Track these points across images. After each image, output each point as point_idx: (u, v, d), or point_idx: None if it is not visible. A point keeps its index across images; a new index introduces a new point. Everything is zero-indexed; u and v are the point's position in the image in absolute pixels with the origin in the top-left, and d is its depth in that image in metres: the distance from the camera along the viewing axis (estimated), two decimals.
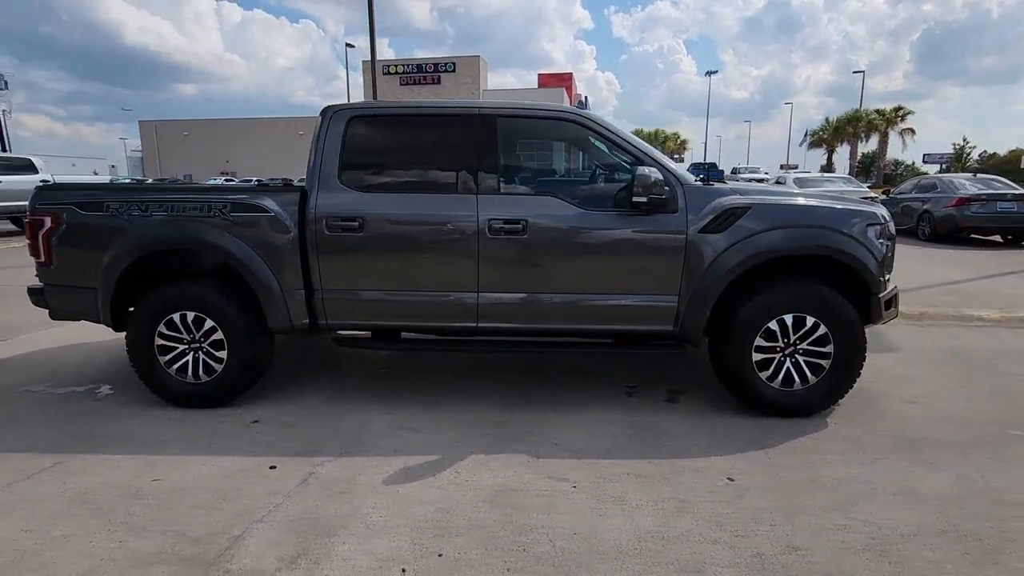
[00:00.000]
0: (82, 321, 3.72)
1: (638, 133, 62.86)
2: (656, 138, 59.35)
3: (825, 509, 2.39)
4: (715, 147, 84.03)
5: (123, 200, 3.42)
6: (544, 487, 2.59)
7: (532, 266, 3.31)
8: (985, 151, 46.93)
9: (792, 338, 3.24)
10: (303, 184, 3.46)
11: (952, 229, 11.01)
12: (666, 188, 3.17)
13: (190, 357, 3.49)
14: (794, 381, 3.27)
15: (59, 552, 2.13)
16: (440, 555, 2.11)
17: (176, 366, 3.49)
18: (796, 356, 3.27)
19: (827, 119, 41.77)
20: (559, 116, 3.37)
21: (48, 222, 3.47)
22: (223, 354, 3.45)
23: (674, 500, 2.47)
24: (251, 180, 24.97)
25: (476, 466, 2.79)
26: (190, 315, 3.42)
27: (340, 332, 3.70)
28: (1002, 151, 43.50)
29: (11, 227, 14.01)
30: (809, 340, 3.23)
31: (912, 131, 38.58)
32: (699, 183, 3.34)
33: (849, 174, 39.30)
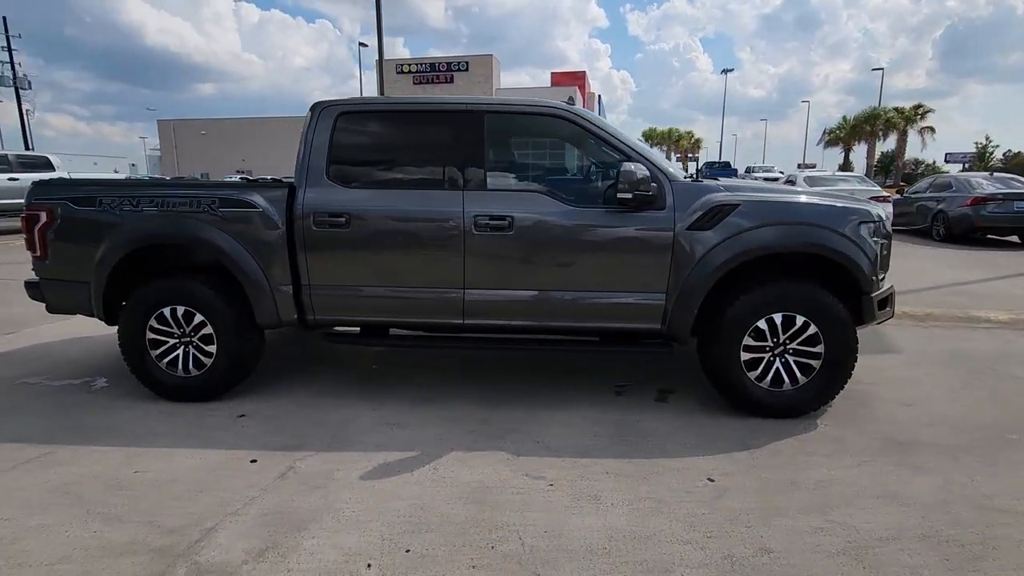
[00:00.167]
0: (79, 315, 3.78)
1: (651, 132, 62.84)
2: (670, 137, 58.87)
3: (803, 511, 2.35)
4: (731, 146, 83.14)
5: (115, 196, 3.46)
6: (521, 485, 2.57)
7: (518, 263, 3.29)
8: (1009, 150, 45.97)
9: (781, 338, 3.18)
10: (292, 180, 3.47)
11: (967, 229, 10.78)
12: (653, 184, 3.13)
13: (180, 351, 3.52)
14: (783, 381, 3.21)
15: (33, 541, 2.16)
16: (408, 551, 2.11)
17: (167, 360, 3.53)
18: (786, 356, 3.21)
19: (844, 117, 41.13)
20: (547, 112, 3.35)
21: (43, 217, 3.53)
22: (213, 348, 3.48)
23: (650, 500, 2.44)
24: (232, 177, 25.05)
25: (456, 463, 2.78)
26: (180, 309, 3.46)
27: (329, 328, 3.71)
28: None
29: None
30: (799, 340, 3.18)
31: (932, 129, 37.82)
32: (688, 180, 3.29)
33: (866, 173, 38.75)
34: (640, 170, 3.04)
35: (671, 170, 3.28)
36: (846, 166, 42.17)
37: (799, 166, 45.66)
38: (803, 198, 3.29)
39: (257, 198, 3.38)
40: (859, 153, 42.81)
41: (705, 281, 3.15)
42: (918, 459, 2.79)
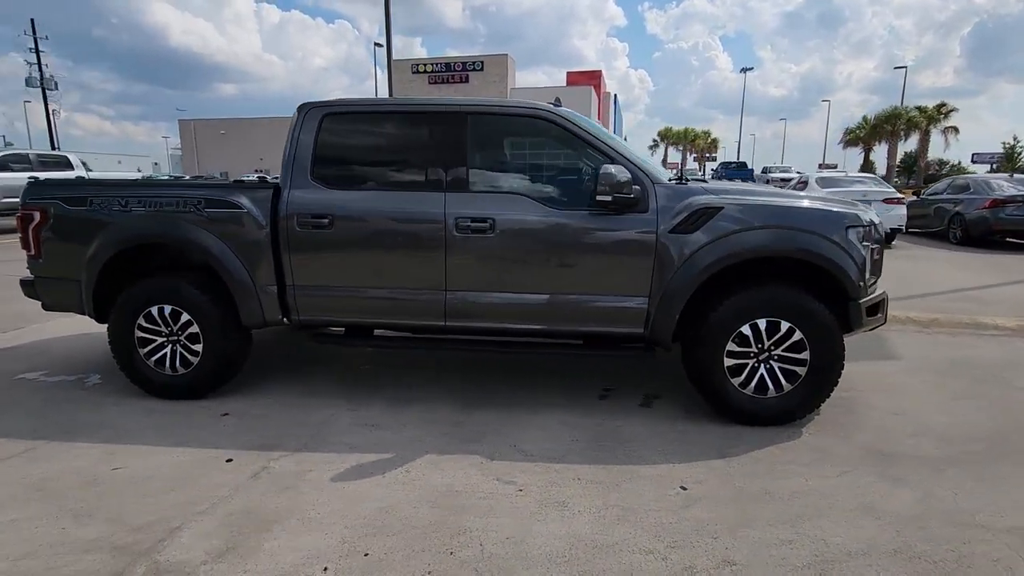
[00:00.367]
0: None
1: (667, 131, 62.27)
2: (686, 137, 58.20)
3: (773, 523, 2.29)
4: (749, 146, 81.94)
5: (105, 196, 3.52)
6: (489, 489, 2.56)
7: (499, 265, 3.27)
8: None
9: (766, 343, 3.12)
10: (278, 181, 3.50)
11: (984, 232, 10.50)
12: (636, 187, 3.09)
13: (168, 350, 3.57)
14: (768, 388, 3.15)
15: (2, 536, 2.20)
16: (366, 555, 2.10)
17: (155, 358, 3.57)
18: (771, 362, 3.15)
19: (864, 117, 40.25)
20: (529, 114, 3.32)
21: (37, 216, 3.60)
22: (199, 347, 3.52)
23: (618, 508, 2.41)
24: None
25: (428, 465, 2.77)
26: (167, 309, 3.50)
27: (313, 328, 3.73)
28: None
29: None
30: (784, 346, 3.11)
31: (955, 129, 36.82)
32: (672, 182, 3.25)
33: (886, 174, 37.94)
34: (621, 172, 3.00)
35: (655, 172, 3.24)
36: (866, 166, 41.36)
37: (819, 166, 44.94)
38: (789, 201, 3.22)
39: (242, 199, 3.41)
40: (880, 153, 42.02)
41: (687, 285, 3.10)
42: (901, 471, 2.71)
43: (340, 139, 3.46)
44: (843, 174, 13.43)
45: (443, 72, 39.40)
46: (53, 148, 33.17)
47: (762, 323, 3.09)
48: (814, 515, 2.35)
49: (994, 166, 37.40)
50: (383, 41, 17.46)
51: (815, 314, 3.06)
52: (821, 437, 3.07)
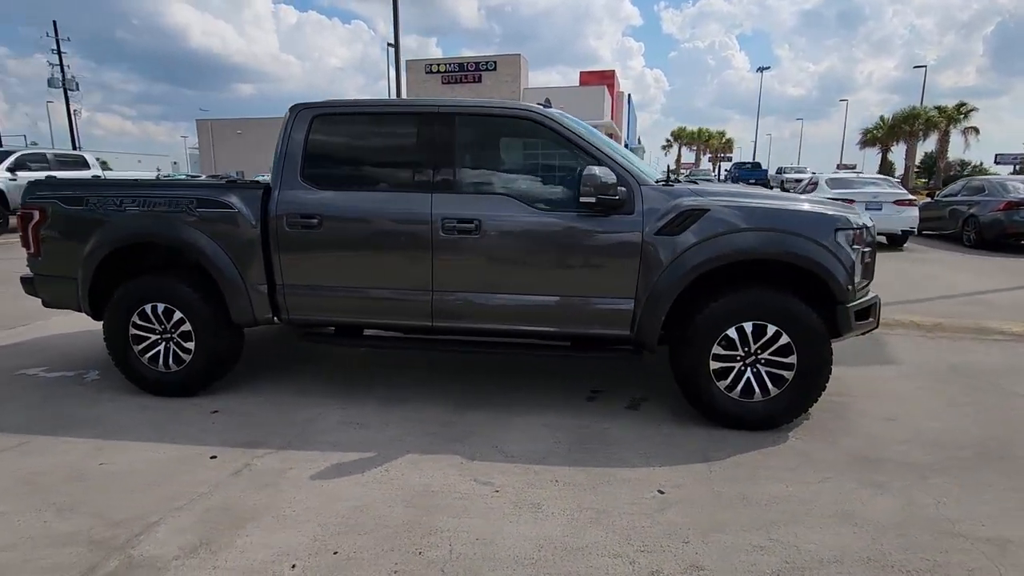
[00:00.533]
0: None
1: (681, 131, 61.84)
2: (699, 137, 57.71)
3: (747, 528, 2.27)
4: (765, 146, 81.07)
5: (100, 195, 3.58)
6: (466, 490, 2.56)
7: (485, 266, 3.28)
8: None
9: (752, 347, 3.09)
10: (268, 181, 3.53)
11: (999, 235, 10.28)
12: (621, 189, 3.08)
13: (161, 347, 3.62)
14: (754, 392, 3.12)
15: None
16: (335, 553, 2.12)
17: (148, 355, 3.63)
18: (757, 366, 3.12)
19: (882, 117, 39.51)
20: (516, 115, 3.32)
21: (36, 215, 3.68)
22: (191, 345, 3.57)
23: (592, 510, 2.40)
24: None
25: (408, 465, 2.79)
26: (160, 307, 3.56)
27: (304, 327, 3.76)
28: None
29: None
30: (771, 350, 3.08)
31: (975, 130, 35.94)
32: (659, 184, 3.23)
33: (904, 175, 37.29)
34: (605, 174, 2.99)
35: (642, 174, 3.22)
36: (884, 167, 40.68)
37: (838, 167, 44.32)
38: (777, 204, 3.18)
39: (233, 199, 3.45)
40: (898, 154, 41.32)
41: (672, 287, 3.08)
42: (885, 477, 2.67)
43: (329, 140, 3.49)
44: (854, 175, 13.25)
45: (456, 72, 39.43)
46: (74, 147, 33.85)
47: (748, 326, 3.06)
48: (790, 521, 2.32)
49: (1017, 167, 36.58)
50: (399, 40, 17.53)
51: (802, 318, 3.02)
52: (807, 442, 3.03)
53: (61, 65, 38.00)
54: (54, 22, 37.82)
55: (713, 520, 2.33)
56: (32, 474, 2.69)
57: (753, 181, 32.04)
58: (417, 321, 3.43)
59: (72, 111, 38.95)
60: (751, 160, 43.28)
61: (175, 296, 3.54)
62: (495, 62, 39.18)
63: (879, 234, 11.13)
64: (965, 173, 41.88)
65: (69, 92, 38.40)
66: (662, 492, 2.55)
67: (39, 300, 3.95)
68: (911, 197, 10.60)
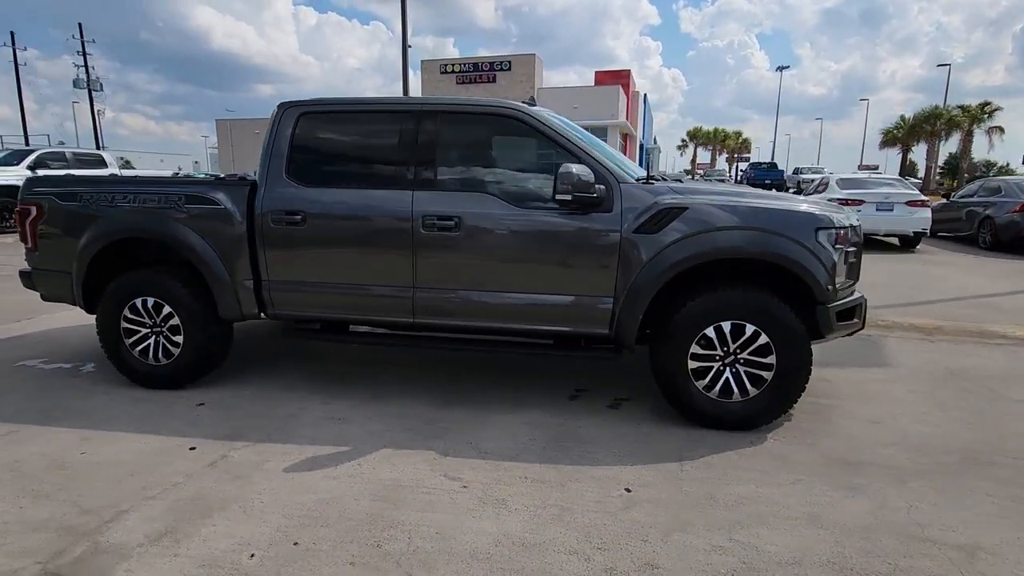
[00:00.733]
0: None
1: (697, 131, 61.23)
2: (715, 137, 57.06)
3: (710, 529, 2.25)
4: (784, 146, 79.76)
5: (94, 192, 3.67)
6: (434, 485, 2.58)
7: (466, 263, 3.29)
8: None
9: (731, 347, 3.06)
10: (256, 178, 3.59)
11: (1014, 237, 10.02)
12: (600, 187, 3.07)
13: (152, 340, 3.69)
14: (733, 392, 3.09)
15: None
16: (295, 543, 2.15)
17: (139, 348, 3.71)
18: (736, 366, 3.09)
19: (902, 116, 38.65)
20: (498, 112, 3.33)
21: (33, 211, 3.78)
22: (180, 339, 3.64)
23: (556, 507, 2.40)
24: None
25: (381, 460, 2.81)
26: (150, 301, 3.63)
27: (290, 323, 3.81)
28: None
29: None
30: (749, 350, 3.05)
31: (1000, 129, 35.05)
32: (639, 181, 3.21)
33: (925, 175, 36.48)
34: (583, 171, 2.98)
35: (622, 172, 3.20)
36: (905, 168, 39.85)
37: (859, 167, 43.53)
38: (758, 203, 3.14)
39: (221, 196, 3.51)
40: (920, 154, 40.44)
41: (650, 285, 3.07)
42: (861, 481, 2.63)
43: (315, 138, 3.53)
44: (867, 175, 13.02)
45: (471, 72, 39.52)
46: (98, 147, 34.58)
47: (727, 326, 3.03)
48: (754, 522, 2.30)
49: None
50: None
51: (781, 317, 2.99)
52: (786, 443, 2.99)
53: (86, 66, 38.87)
54: (79, 24, 38.73)
55: (677, 520, 2.32)
56: (16, 462, 2.77)
57: (769, 182, 31.65)
58: (399, 317, 3.45)
59: (96, 111, 39.83)
60: (767, 160, 42.68)
61: (164, 290, 3.61)
62: (509, 62, 39.19)
63: (890, 235, 11.01)
64: (991, 174, 40.87)
65: (93, 93, 39.27)
66: (629, 491, 2.54)
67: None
68: (923, 198, 10.38)
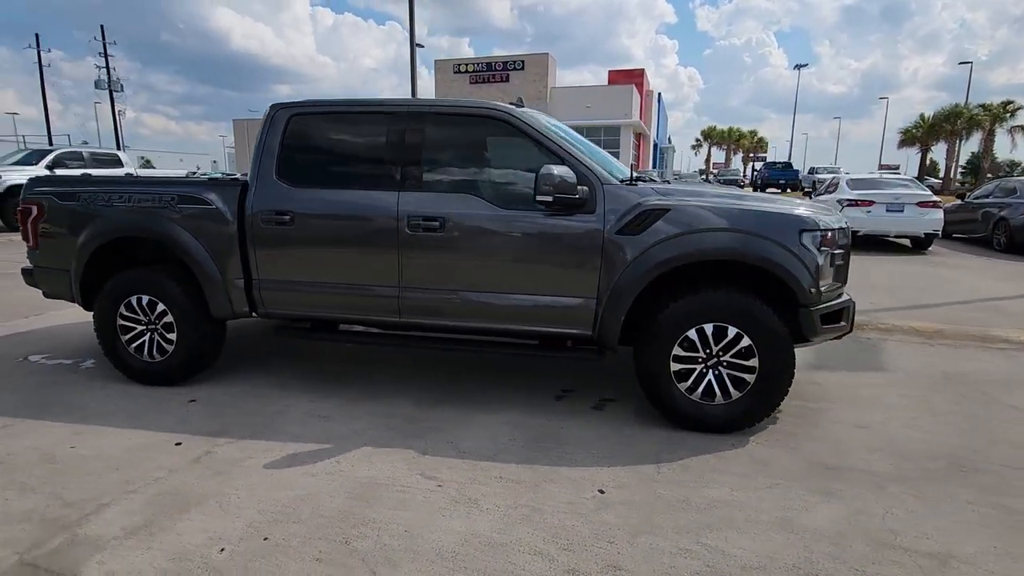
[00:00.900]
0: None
1: (711, 131, 60.67)
2: (730, 136, 56.49)
3: (679, 532, 2.25)
4: (801, 145, 78.61)
5: (91, 192, 3.75)
6: (409, 483, 2.60)
7: (450, 264, 3.31)
8: None
9: (714, 349, 3.05)
10: (247, 178, 3.64)
11: None
12: (582, 188, 3.07)
13: (146, 337, 3.77)
14: (715, 394, 3.07)
15: None
16: (265, 539, 2.18)
17: (134, 345, 3.79)
18: (719, 368, 3.07)
19: (922, 115, 37.85)
20: (482, 114, 3.34)
21: (35, 210, 3.88)
22: (173, 336, 3.71)
23: (527, 508, 2.41)
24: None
25: (361, 458, 2.84)
26: (145, 298, 3.70)
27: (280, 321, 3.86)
28: None
29: None
30: (732, 352, 3.03)
31: (1023, 128, 34.24)
32: (623, 183, 3.20)
33: (944, 175, 35.73)
34: (564, 172, 2.99)
35: (605, 173, 3.20)
36: (924, 167, 39.09)
37: (879, 167, 42.86)
38: (742, 204, 3.12)
39: (212, 196, 3.57)
40: (939, 153, 39.63)
41: (632, 287, 3.06)
42: (838, 486, 2.60)
43: (304, 138, 3.57)
44: (878, 176, 12.81)
45: (484, 72, 39.58)
46: (118, 147, 35.21)
47: (709, 328, 3.02)
48: (725, 526, 2.29)
49: None
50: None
51: (763, 320, 2.96)
52: (768, 447, 2.97)
53: (107, 68, 39.55)
54: (101, 26, 39.42)
55: (647, 522, 2.31)
56: (7, 455, 2.84)
57: (783, 182, 31.28)
58: (386, 317, 3.48)
59: (116, 111, 40.53)
60: (782, 160, 42.18)
61: (158, 289, 3.68)
62: (523, 61, 39.17)
63: (900, 237, 10.83)
64: (1015, 174, 39.93)
65: (114, 93, 39.99)
66: (603, 492, 2.54)
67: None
68: (935, 199, 10.19)
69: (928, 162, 41.83)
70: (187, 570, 2.02)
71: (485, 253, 3.27)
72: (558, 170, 2.98)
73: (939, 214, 10.08)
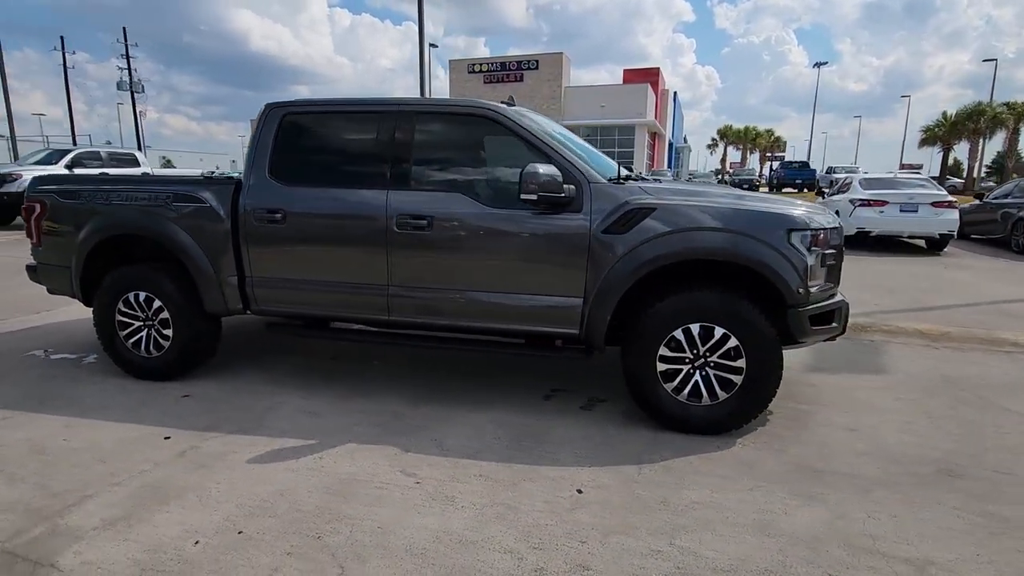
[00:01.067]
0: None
1: (727, 130, 60.04)
2: (746, 136, 55.85)
3: (653, 533, 2.23)
4: (821, 144, 77.43)
5: (91, 190, 3.83)
6: (388, 480, 2.61)
7: (437, 262, 3.32)
8: None
9: (701, 349, 3.01)
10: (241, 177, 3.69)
11: None
12: (568, 186, 3.06)
13: (144, 333, 3.84)
14: (702, 396, 3.04)
15: None
16: (240, 532, 2.21)
17: (132, 341, 3.85)
18: (706, 369, 3.04)
19: (944, 113, 37.06)
20: (471, 112, 3.35)
21: (38, 208, 3.96)
22: (170, 332, 3.77)
23: (503, 506, 2.41)
24: None
25: (344, 454, 2.86)
26: (142, 295, 3.77)
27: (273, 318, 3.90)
28: None
29: None
30: (718, 353, 3.00)
31: None
32: (611, 181, 3.18)
33: (967, 174, 34.92)
34: (549, 171, 2.97)
35: (593, 172, 3.18)
36: (947, 167, 38.26)
37: (900, 167, 42.06)
38: (729, 203, 3.08)
39: (206, 194, 3.62)
40: (962, 153, 38.76)
41: (618, 286, 3.04)
42: (823, 489, 2.56)
43: (297, 137, 3.61)
44: (892, 175, 12.56)
45: (498, 71, 39.62)
46: (139, 147, 35.84)
47: (695, 328, 2.99)
48: (700, 528, 2.26)
49: None
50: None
51: (751, 320, 2.93)
52: (754, 449, 2.93)
53: (129, 69, 40.25)
54: (123, 28, 40.20)
55: (622, 522, 2.30)
56: (1, 446, 2.91)
57: (800, 182, 30.86)
58: (374, 315, 3.50)
59: (137, 112, 41.27)
60: (799, 160, 41.59)
61: (155, 285, 3.74)
62: (537, 61, 39.13)
63: (914, 238, 10.62)
64: None
65: (135, 94, 40.72)
66: (580, 492, 2.52)
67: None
68: (950, 199, 9.96)
69: (952, 161, 40.98)
70: (160, 561, 2.05)
71: (472, 252, 3.27)
72: (543, 168, 2.97)
73: (954, 214, 9.87)
